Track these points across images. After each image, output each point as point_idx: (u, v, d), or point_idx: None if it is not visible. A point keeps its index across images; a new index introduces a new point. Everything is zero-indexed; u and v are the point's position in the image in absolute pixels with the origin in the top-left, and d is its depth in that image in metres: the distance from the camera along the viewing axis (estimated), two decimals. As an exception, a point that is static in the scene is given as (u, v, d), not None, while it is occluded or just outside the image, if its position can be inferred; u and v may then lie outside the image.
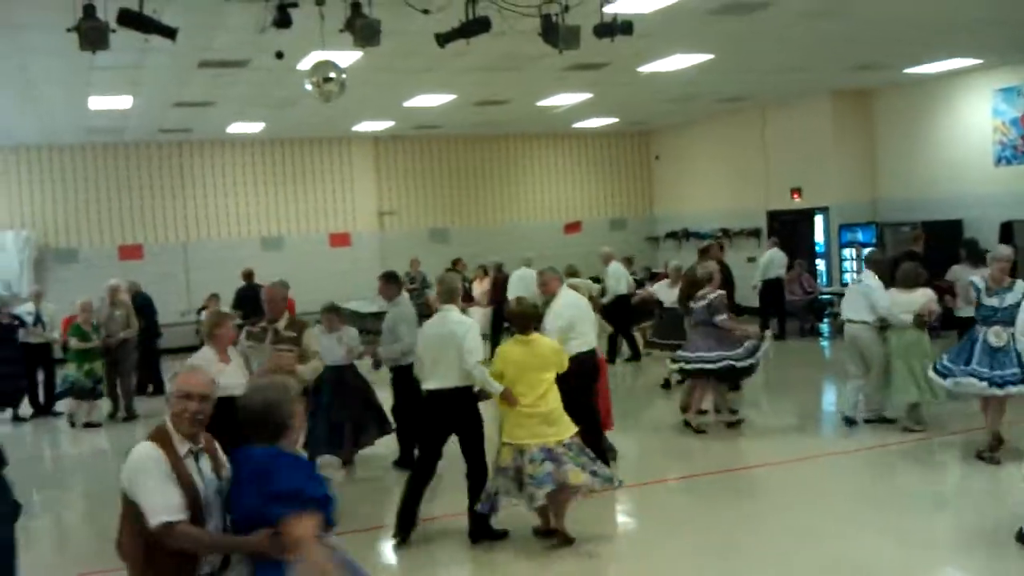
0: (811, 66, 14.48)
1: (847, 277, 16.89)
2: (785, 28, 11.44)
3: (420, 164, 21.78)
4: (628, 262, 16.57)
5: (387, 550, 7.19)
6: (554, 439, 6.80)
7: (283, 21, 7.90)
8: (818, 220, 18.35)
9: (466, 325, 7.10)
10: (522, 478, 6.72)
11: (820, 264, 18.24)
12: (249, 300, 13.82)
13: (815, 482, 8.53)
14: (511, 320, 7.38)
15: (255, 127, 18.10)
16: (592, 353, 8.40)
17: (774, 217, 19.29)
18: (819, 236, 18.40)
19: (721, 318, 9.98)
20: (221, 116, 16.37)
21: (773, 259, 16.83)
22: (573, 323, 8.17)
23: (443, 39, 8.60)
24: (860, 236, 17.09)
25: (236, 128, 18.10)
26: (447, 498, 7.78)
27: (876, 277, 9.88)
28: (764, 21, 10.94)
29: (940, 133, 16.34)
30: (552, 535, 7.01)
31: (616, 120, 20.47)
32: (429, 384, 7.09)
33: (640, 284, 16.29)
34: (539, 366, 6.91)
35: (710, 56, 13.01)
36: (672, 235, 22.06)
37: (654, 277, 16.92)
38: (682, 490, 8.74)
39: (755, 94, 17.48)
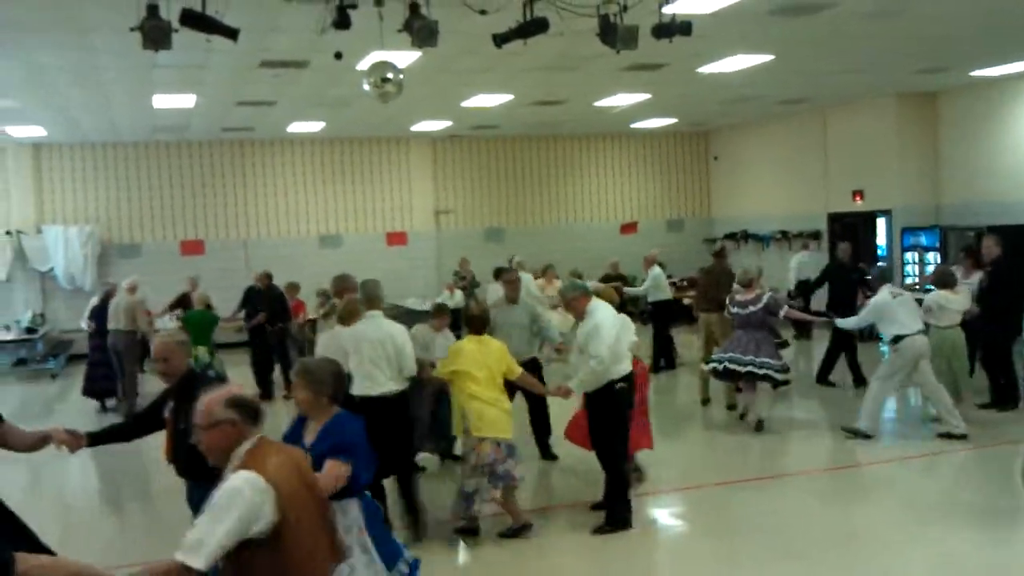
0: (874, 68, 14.24)
1: (909, 282, 16.61)
2: (847, 29, 11.24)
3: (477, 164, 21.84)
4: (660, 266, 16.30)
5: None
6: (509, 437, 7.14)
7: (342, 22, 7.95)
8: (880, 223, 18.04)
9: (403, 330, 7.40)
10: (496, 470, 6.99)
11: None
12: (256, 300, 14.27)
13: (873, 486, 8.41)
14: (470, 322, 7.57)
15: (315, 126, 18.30)
16: (631, 378, 7.52)
17: (835, 219, 19.01)
18: (881, 239, 18.09)
19: (784, 310, 10.32)
20: (282, 115, 16.57)
21: (803, 263, 17.33)
22: (619, 339, 7.43)
23: (500, 39, 8.60)
24: (923, 240, 16.78)
25: (297, 127, 18.31)
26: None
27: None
28: (825, 22, 10.76)
29: (1007, 136, 15.95)
30: (529, 527, 7.27)
31: (674, 120, 20.32)
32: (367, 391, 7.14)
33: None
34: (494, 363, 7.13)
35: (770, 57, 12.86)
36: (730, 236, 21.84)
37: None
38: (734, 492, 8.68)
39: (816, 96, 17.24)
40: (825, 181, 19.18)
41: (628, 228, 22.37)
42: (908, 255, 17.06)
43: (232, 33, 7.87)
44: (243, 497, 3.36)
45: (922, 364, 9.65)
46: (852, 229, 18.46)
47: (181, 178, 20.00)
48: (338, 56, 8.87)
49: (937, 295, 10.27)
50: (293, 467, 3.60)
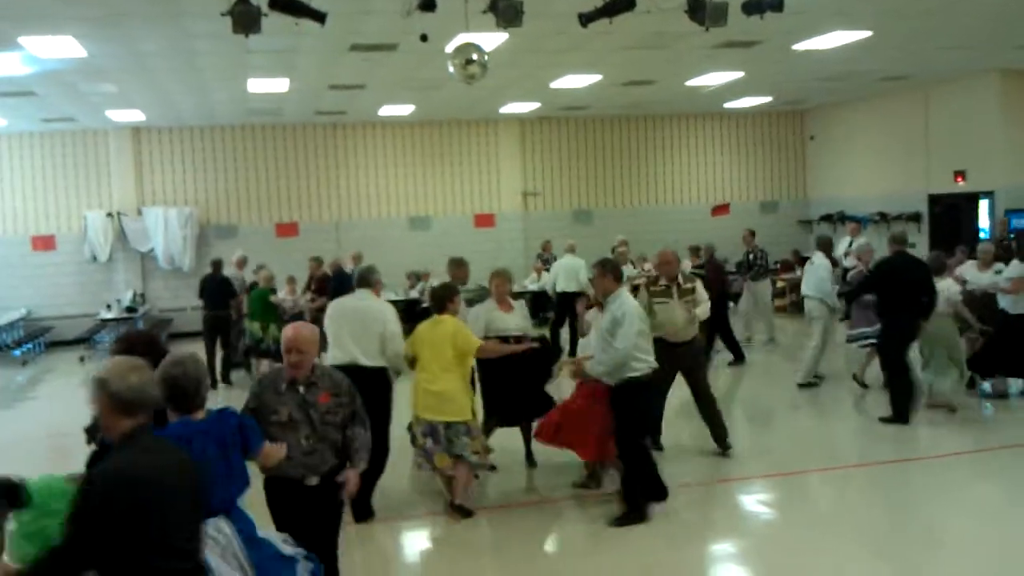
0: (977, 44, 13.68)
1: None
2: (948, 3, 10.83)
3: (565, 145, 21.73)
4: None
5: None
6: (440, 418, 7.14)
7: (428, 4, 7.99)
8: (983, 204, 17.40)
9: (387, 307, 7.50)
10: (424, 447, 7.25)
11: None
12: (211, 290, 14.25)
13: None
14: (431, 300, 7.67)
15: (405, 109, 18.42)
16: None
17: (935, 201, 18.40)
18: (983, 221, 17.45)
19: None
20: (373, 98, 16.72)
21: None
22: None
23: (586, 18, 8.52)
24: (1028, 222, 16.15)
25: (387, 110, 18.46)
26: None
27: None
28: (926, -5, 10.41)
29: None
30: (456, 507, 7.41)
31: (769, 99, 19.90)
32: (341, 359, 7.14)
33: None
34: (438, 343, 7.17)
35: (868, 33, 12.46)
36: (826, 218, 21.32)
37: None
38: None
39: (917, 72, 16.66)
40: (926, 161, 18.56)
41: (720, 210, 21.97)
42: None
43: (320, 17, 7.96)
44: None
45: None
46: (953, 211, 17.85)
47: (276, 161, 20.37)
48: (423, 38, 8.90)
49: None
50: None
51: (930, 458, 8.90)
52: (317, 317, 12.52)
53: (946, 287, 10.15)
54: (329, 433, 5.06)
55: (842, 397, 11.40)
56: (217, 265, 14.42)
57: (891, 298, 9.93)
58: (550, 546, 7.16)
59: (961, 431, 9.72)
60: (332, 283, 14.13)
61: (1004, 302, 10.55)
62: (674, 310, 8.63)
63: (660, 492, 7.30)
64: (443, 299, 7.44)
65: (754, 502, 7.88)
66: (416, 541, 7.44)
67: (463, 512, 7.38)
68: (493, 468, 8.30)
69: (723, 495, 7.95)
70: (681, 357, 8.64)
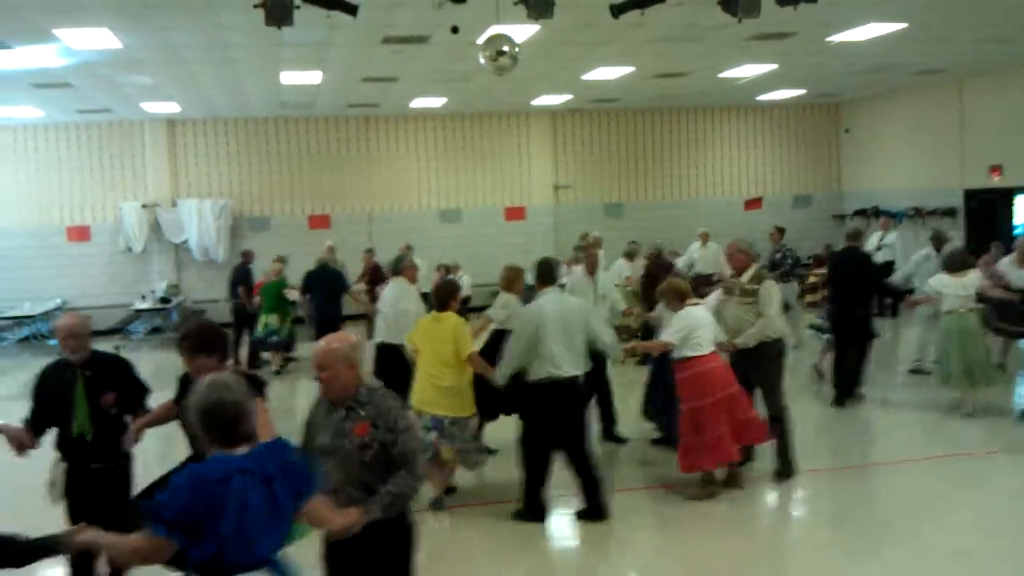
0: (1013, 36, 13.49)
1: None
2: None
3: (597, 138, 21.68)
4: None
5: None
6: (447, 414, 7.29)
7: (459, -5, 7.98)
8: (1019, 200, 17.17)
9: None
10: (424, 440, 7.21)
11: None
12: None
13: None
14: (433, 296, 7.91)
15: (437, 101, 18.45)
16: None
17: (971, 196, 18.18)
18: (1019, 217, 17.22)
19: None
20: (405, 91, 16.76)
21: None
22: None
23: (617, 9, 8.49)
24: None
25: (419, 103, 18.51)
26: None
27: None
28: (964, -14, 10.27)
29: None
30: (437, 501, 7.51)
31: (803, 92, 19.73)
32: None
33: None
34: (441, 339, 7.34)
35: (904, 25, 12.32)
36: (860, 212, 21.12)
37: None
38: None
39: (953, 65, 16.45)
40: (961, 156, 18.34)
41: (753, 204, 21.84)
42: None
43: (352, 9, 7.99)
44: None
45: None
46: (988, 206, 17.64)
47: (308, 153, 20.47)
48: (455, 30, 8.92)
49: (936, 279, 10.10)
50: None
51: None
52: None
53: (963, 284, 9.73)
54: (360, 472, 4.21)
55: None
56: (248, 256, 14.64)
57: (835, 293, 10.88)
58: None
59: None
60: (310, 278, 13.64)
61: None
62: (729, 310, 8.01)
63: (538, 511, 7.20)
64: (446, 297, 7.60)
65: (778, 499, 7.85)
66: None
67: (450, 491, 7.74)
68: (492, 451, 8.39)
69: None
70: (744, 364, 7.83)
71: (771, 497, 7.81)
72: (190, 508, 3.24)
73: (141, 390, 5.69)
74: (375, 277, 14.88)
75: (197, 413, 3.47)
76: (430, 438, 7.22)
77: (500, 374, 7.22)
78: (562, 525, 7.24)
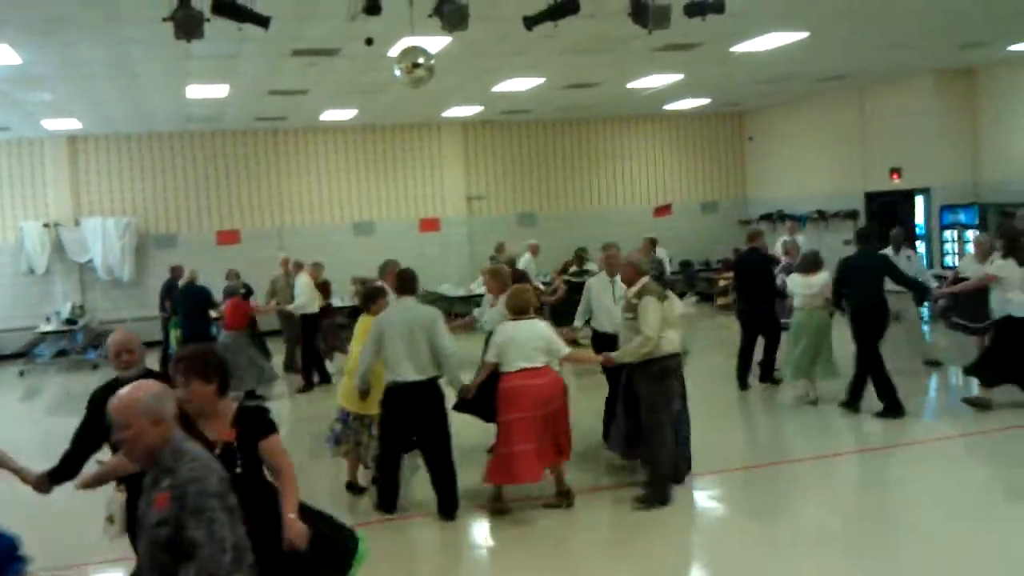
0: (912, 44, 13.99)
1: (948, 260, 16.40)
2: (884, 4, 11.07)
3: (509, 149, 21.78)
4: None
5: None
6: (350, 408, 8.09)
7: (373, 8, 7.94)
8: (919, 201, 17.79)
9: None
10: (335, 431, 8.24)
11: (920, 247, 17.69)
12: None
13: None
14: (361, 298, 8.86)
15: (348, 114, 18.31)
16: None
17: (872, 198, 18.78)
18: (919, 218, 17.84)
19: None
20: (315, 103, 16.59)
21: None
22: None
23: (530, 22, 8.55)
24: (962, 218, 16.53)
25: (329, 115, 18.34)
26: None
27: None
28: (861, -4, 10.60)
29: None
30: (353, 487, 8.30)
31: (708, 101, 20.14)
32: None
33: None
34: (357, 339, 8.10)
35: (805, 34, 12.67)
36: (766, 217, 21.63)
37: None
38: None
39: (853, 73, 16.98)
40: (862, 160, 18.94)
41: (662, 211, 22.18)
42: (947, 233, 16.80)
43: (263, 21, 7.88)
44: None
45: None
46: (890, 208, 18.23)
47: (215, 168, 20.11)
48: (369, 42, 8.86)
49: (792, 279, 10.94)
50: None
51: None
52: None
53: (816, 282, 10.50)
54: (157, 556, 3.38)
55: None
56: (176, 271, 14.97)
57: (740, 291, 12.15)
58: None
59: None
60: (174, 295, 14.28)
61: (1013, 307, 9.75)
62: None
63: (390, 506, 7.72)
64: (369, 299, 8.24)
65: (705, 497, 7.97)
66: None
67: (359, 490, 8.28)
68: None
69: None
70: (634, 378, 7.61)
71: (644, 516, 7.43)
72: None
73: None
74: (326, 292, 14.99)
75: None
76: (337, 428, 8.19)
77: (358, 375, 7.69)
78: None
